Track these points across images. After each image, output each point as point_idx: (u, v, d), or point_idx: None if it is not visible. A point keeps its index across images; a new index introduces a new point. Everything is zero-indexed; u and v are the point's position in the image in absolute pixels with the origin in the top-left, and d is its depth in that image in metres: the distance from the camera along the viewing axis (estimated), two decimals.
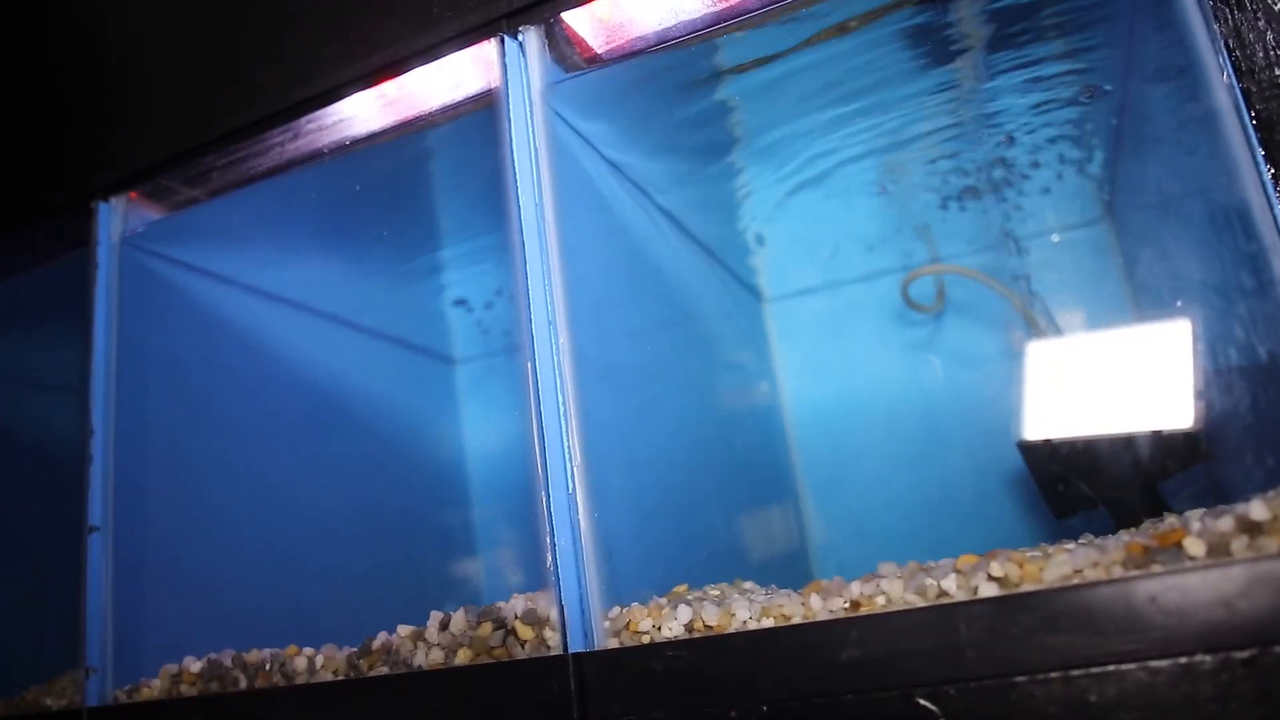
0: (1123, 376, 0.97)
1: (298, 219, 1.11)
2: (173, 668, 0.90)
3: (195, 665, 0.88)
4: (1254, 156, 0.61)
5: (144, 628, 0.96)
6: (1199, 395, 0.90)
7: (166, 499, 1.03)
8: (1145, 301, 1.23)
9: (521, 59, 0.84)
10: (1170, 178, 0.90)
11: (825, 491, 1.48)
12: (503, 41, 0.84)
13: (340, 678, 0.78)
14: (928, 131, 1.03)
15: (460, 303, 1.42)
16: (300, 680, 0.80)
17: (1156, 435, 0.93)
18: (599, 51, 0.85)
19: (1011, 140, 1.01)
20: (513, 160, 0.81)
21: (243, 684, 0.83)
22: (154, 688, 0.89)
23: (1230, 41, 0.62)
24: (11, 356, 1.40)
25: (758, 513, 1.26)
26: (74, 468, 0.99)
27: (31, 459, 1.35)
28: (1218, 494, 0.94)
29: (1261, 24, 0.61)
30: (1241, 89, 0.61)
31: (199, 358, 1.14)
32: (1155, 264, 1.10)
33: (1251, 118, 0.61)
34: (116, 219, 1.06)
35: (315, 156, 0.96)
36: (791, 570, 1.36)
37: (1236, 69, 0.61)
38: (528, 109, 0.82)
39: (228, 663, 0.86)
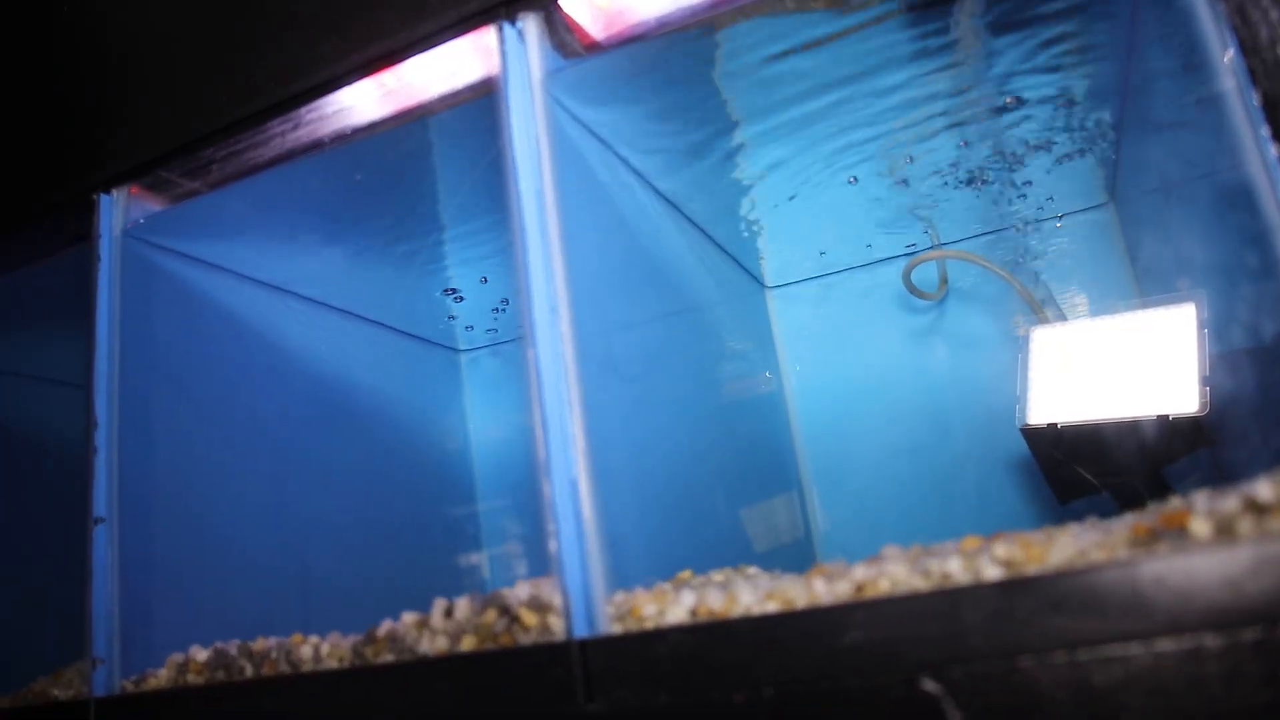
0: (1126, 360, 0.97)
1: (299, 210, 1.11)
2: (179, 657, 0.90)
3: (201, 654, 0.88)
4: (1258, 135, 0.60)
5: (150, 618, 0.97)
6: (1203, 378, 0.90)
7: (171, 489, 1.04)
8: (1149, 284, 1.22)
9: (521, 46, 0.83)
10: (1174, 159, 0.90)
11: (829, 477, 1.48)
12: (501, 29, 0.84)
13: (346, 666, 0.78)
14: (930, 115, 1.02)
15: (450, 291, 1.42)
16: (306, 669, 0.80)
17: (1161, 419, 0.93)
18: (598, 38, 0.85)
19: (1020, 101, 1.00)
20: (513, 148, 0.81)
21: (249, 673, 0.83)
22: (160, 677, 0.89)
23: (1234, 19, 0.61)
24: (13, 351, 1.40)
25: (761, 498, 1.26)
26: (76, 461, 0.99)
27: (33, 453, 1.35)
28: (1224, 477, 0.93)
29: (1265, 1, 0.60)
30: (1246, 67, 0.61)
31: (202, 348, 1.14)
32: (1159, 246, 1.10)
33: (1256, 96, 0.60)
34: (118, 212, 1.06)
35: (316, 146, 0.96)
36: (795, 555, 1.36)
37: (1241, 47, 0.61)
38: (528, 96, 0.82)
39: (233, 651, 0.86)
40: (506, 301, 1.49)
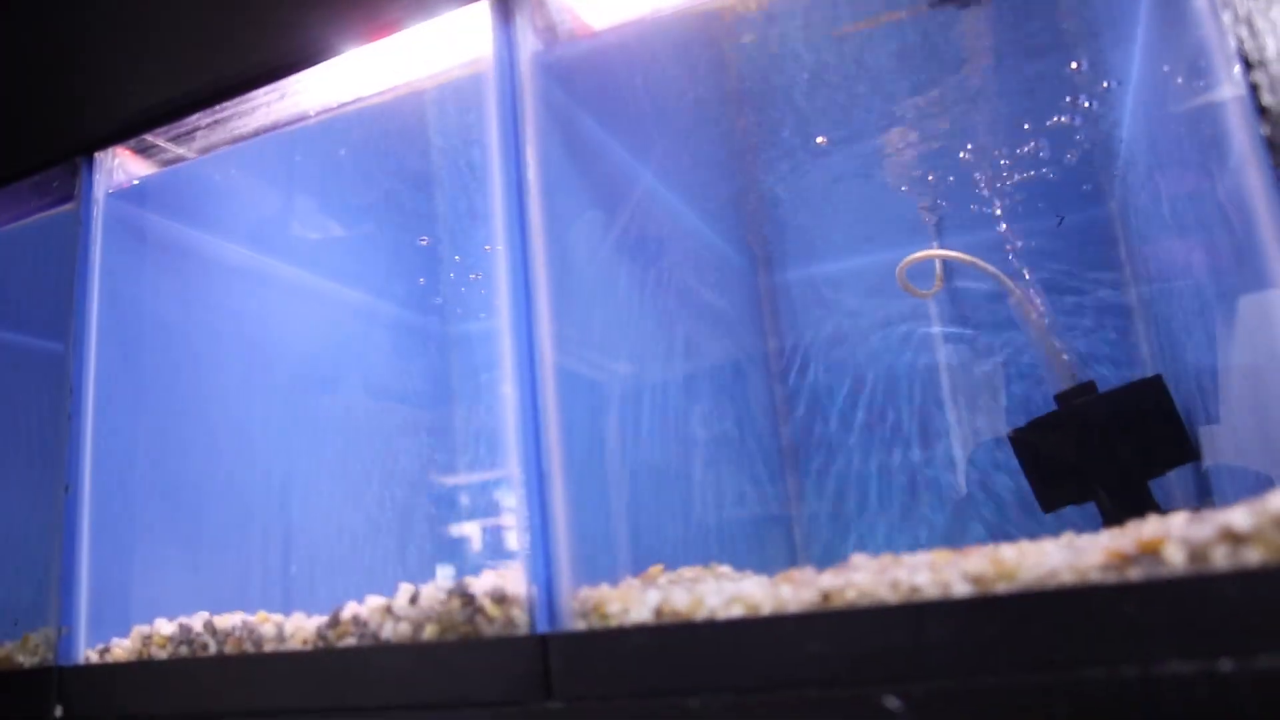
0: (1116, 370, 0.96)
1: (285, 182, 1.10)
2: (144, 629, 0.89)
3: (167, 628, 0.87)
4: (1258, 141, 0.59)
5: (124, 588, 0.96)
6: (1191, 393, 0.89)
7: (147, 458, 1.03)
8: (1142, 295, 1.20)
9: (513, 26, 0.81)
10: (1174, 169, 0.88)
11: (813, 476, 1.47)
12: (495, 9, 0.82)
13: (309, 648, 0.77)
14: (932, 109, 1.01)
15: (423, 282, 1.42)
16: (269, 648, 0.80)
17: (1148, 432, 0.92)
18: (591, 20, 0.83)
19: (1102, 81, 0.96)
20: (502, 128, 0.79)
21: (212, 649, 0.83)
22: (125, 648, 0.89)
23: (1239, 31, 0.59)
24: None
25: (745, 492, 1.25)
26: (53, 426, 0.98)
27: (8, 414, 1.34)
28: (1206, 494, 0.92)
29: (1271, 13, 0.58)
30: (1249, 81, 0.59)
31: (184, 316, 1.12)
32: (1154, 258, 1.08)
33: (1257, 108, 0.58)
34: (103, 175, 1.05)
35: (302, 118, 0.94)
36: (776, 553, 1.35)
37: (1245, 59, 0.59)
38: (518, 77, 0.80)
39: (198, 626, 0.86)
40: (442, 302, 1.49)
